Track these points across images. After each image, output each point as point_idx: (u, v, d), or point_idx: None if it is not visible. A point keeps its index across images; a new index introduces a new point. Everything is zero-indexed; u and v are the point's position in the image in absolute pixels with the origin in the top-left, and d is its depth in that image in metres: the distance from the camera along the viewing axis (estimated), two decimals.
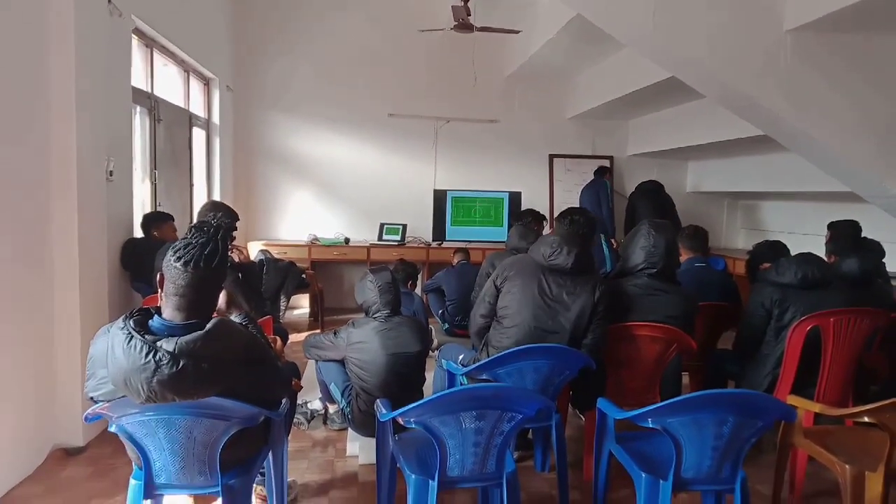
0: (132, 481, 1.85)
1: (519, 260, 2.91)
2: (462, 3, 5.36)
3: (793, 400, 2.49)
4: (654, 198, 6.47)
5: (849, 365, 2.89)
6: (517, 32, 5.74)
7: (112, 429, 1.74)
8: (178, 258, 1.65)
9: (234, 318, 2.23)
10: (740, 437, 1.99)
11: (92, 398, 1.72)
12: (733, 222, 7.63)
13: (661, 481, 2.05)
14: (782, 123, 3.72)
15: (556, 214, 3.22)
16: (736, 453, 2.02)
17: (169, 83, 4.98)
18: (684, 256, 3.71)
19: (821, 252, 3.46)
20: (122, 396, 1.64)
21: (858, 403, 2.52)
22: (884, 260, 3.77)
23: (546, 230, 3.40)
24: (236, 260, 3.49)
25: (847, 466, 2.16)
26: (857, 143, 3.66)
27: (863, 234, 4.00)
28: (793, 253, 3.30)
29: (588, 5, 3.70)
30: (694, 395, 1.98)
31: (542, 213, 4.80)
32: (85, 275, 3.06)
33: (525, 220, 4.27)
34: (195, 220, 3.47)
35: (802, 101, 3.57)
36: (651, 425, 1.98)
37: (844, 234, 3.83)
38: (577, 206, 3.37)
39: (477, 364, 2.66)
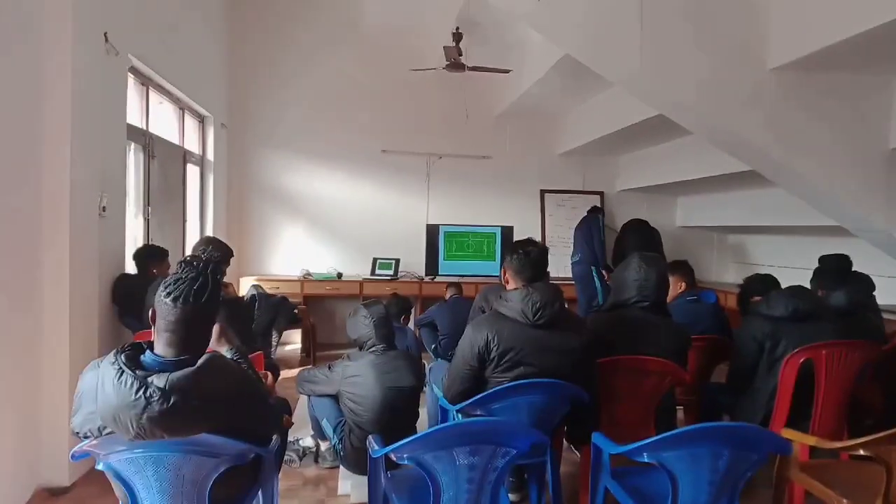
0: None
1: (496, 323, 2.58)
2: (454, 44, 5.48)
3: (787, 433, 2.48)
4: (640, 233, 6.52)
5: (842, 397, 2.88)
6: (508, 72, 5.86)
7: (99, 466, 1.70)
8: (168, 294, 1.65)
9: (225, 352, 2.22)
10: (736, 472, 1.96)
11: (77, 434, 1.69)
12: (723, 256, 7.68)
13: None
14: (769, 159, 3.79)
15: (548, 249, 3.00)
16: (732, 488, 1.99)
17: (164, 120, 5.02)
18: (678, 289, 3.72)
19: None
20: (110, 433, 1.62)
21: (854, 437, 2.50)
22: (874, 293, 3.80)
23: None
24: (225, 296, 3.47)
25: (844, 501, 2.14)
26: (842, 179, 3.72)
27: (853, 268, 4.02)
28: (783, 286, 3.32)
29: (577, 45, 3.79)
30: (689, 429, 1.97)
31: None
32: (75, 311, 3.04)
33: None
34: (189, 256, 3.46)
35: (788, 138, 3.64)
36: (647, 460, 1.95)
37: (830, 269, 3.85)
38: (531, 239, 2.77)
39: (471, 400, 2.63)
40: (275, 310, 5.24)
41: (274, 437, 2.13)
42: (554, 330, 2.56)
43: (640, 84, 3.81)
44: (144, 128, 4.41)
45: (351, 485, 3.05)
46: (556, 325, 2.56)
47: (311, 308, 6.32)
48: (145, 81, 4.43)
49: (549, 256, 2.83)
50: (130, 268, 3.93)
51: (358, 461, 2.91)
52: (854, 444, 2.12)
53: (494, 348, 2.53)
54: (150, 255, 3.94)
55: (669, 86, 3.64)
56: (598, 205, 7.20)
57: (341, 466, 3.18)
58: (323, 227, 6.92)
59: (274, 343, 5.31)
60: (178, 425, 1.58)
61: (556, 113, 7.07)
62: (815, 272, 3.87)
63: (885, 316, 3.87)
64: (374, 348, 2.98)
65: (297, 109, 6.75)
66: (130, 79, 4.08)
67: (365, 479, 2.67)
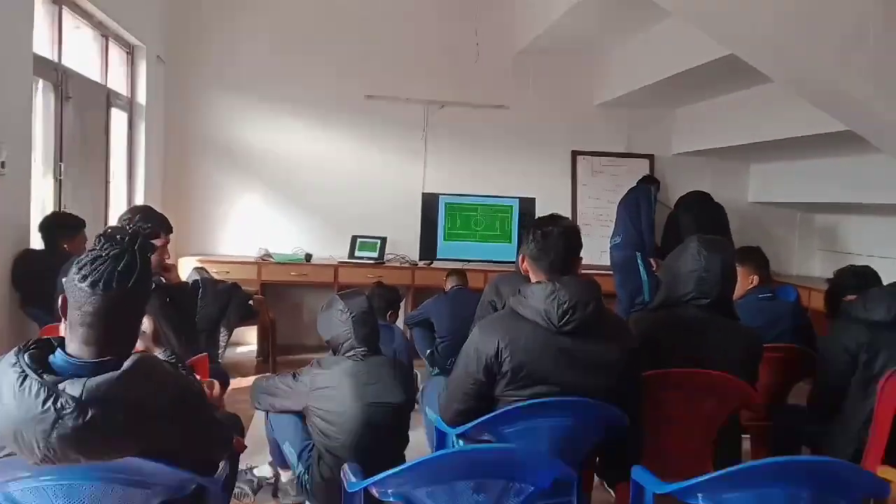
0: None
1: (511, 327, 2.54)
2: None
3: (885, 472, 2.49)
4: (700, 211, 6.50)
5: None
6: None
7: None
8: (84, 277, 1.64)
9: (159, 355, 2.23)
10: None
11: None
12: (808, 242, 7.68)
13: None
14: (871, 116, 3.77)
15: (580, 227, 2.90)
16: None
17: (82, 51, 5.00)
18: (749, 284, 3.73)
19: None
20: (10, 454, 1.62)
21: None
22: None
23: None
24: (163, 281, 3.48)
25: None
26: None
27: None
28: (885, 282, 3.32)
29: None
30: (758, 464, 1.98)
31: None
32: None
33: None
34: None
35: None
36: (702, 503, 1.97)
37: None
38: (556, 214, 2.60)
39: (476, 421, 2.63)
40: (223, 300, 5.24)
41: (221, 463, 2.14)
42: (587, 338, 2.52)
43: (705, 13, 3.78)
44: (56, 60, 4.40)
45: None
46: (590, 333, 2.52)
47: (271, 299, 6.34)
48: (58, 0, 4.40)
49: (582, 238, 2.78)
50: (36, 242, 3.93)
51: (328, 496, 2.93)
52: None
53: (507, 359, 2.50)
54: (62, 226, 3.94)
55: (743, 16, 3.61)
56: (649, 172, 7.17)
57: (307, 503, 3.20)
58: (288, 194, 6.93)
59: (222, 343, 5.32)
60: (98, 446, 1.59)
61: (595, 52, 7.03)
62: None
63: None
64: (352, 352, 2.98)
65: (257, 41, 6.71)
66: None
67: None
